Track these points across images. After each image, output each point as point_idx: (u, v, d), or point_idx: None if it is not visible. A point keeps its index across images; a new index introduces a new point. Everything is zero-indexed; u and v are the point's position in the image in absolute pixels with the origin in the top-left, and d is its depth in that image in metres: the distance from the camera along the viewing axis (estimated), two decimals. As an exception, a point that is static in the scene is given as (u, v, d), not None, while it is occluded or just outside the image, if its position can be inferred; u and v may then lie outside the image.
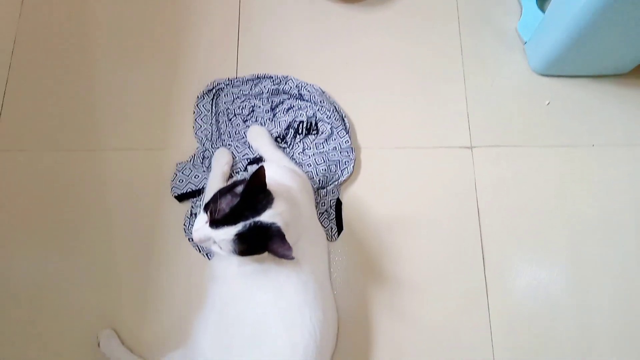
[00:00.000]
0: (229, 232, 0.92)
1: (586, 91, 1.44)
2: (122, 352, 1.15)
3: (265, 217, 0.94)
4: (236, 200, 0.94)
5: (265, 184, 0.96)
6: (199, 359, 1.02)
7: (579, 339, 1.22)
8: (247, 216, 0.93)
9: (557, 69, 1.43)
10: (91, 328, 1.20)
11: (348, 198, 1.33)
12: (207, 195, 1.19)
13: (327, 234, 1.27)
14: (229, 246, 0.93)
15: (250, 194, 0.94)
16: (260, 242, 0.94)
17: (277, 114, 1.39)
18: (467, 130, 1.39)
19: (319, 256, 1.16)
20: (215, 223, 0.93)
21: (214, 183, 1.25)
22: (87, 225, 1.30)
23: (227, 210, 0.93)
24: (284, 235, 0.93)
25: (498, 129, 1.40)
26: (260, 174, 0.94)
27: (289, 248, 0.91)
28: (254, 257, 1.00)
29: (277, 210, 0.95)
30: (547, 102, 1.42)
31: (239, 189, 0.95)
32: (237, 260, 0.91)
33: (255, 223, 0.93)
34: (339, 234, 1.29)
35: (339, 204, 1.31)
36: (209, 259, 1.27)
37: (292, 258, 0.91)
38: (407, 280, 1.26)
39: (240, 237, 0.92)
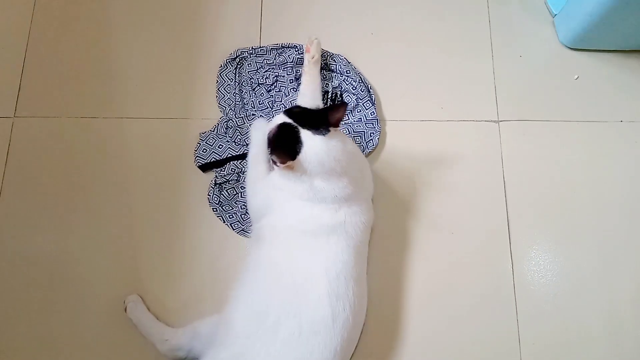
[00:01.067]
0: (282, 118, 1.05)
1: (615, 66, 1.41)
2: (148, 318, 1.16)
3: (305, 135, 1.01)
4: (315, 109, 1.09)
5: (334, 121, 1.03)
6: (229, 330, 1.02)
7: (605, 314, 1.21)
8: (299, 120, 1.03)
9: (586, 43, 1.40)
10: (118, 294, 1.20)
11: (373, 171, 1.31)
12: (251, 166, 1.20)
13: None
14: (273, 127, 1.04)
15: (323, 113, 1.03)
16: (281, 142, 1.02)
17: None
18: (494, 103, 1.37)
19: (365, 234, 1.12)
20: (286, 110, 1.07)
21: (258, 154, 1.19)
22: (111, 193, 1.30)
23: (300, 109, 1.07)
24: (293, 158, 1.00)
25: (525, 103, 1.38)
26: (342, 109, 1.03)
27: (283, 163, 1.00)
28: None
29: (315, 144, 1.01)
30: (575, 77, 1.40)
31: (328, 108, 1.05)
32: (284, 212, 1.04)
33: (295, 129, 1.02)
34: (363, 207, 1.28)
35: (363, 176, 1.31)
36: (232, 229, 1.26)
37: (272, 168, 1.08)
38: (432, 254, 1.25)
39: (280, 126, 1.03)
